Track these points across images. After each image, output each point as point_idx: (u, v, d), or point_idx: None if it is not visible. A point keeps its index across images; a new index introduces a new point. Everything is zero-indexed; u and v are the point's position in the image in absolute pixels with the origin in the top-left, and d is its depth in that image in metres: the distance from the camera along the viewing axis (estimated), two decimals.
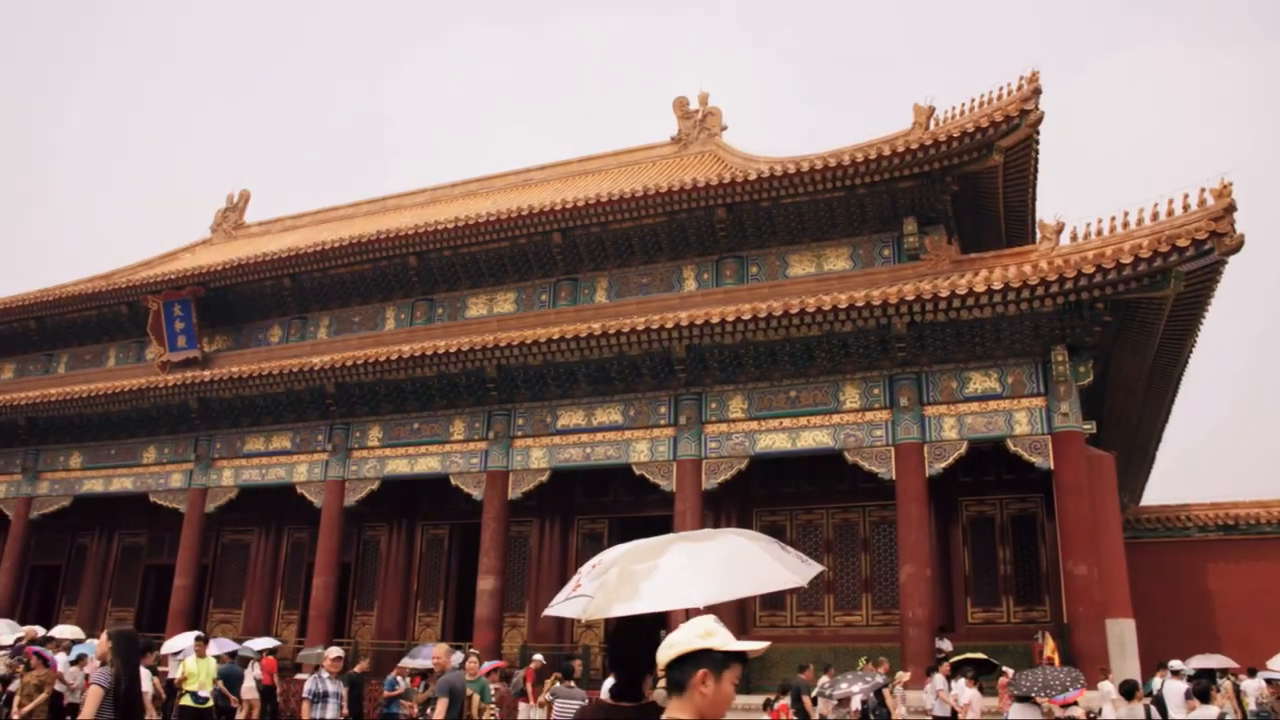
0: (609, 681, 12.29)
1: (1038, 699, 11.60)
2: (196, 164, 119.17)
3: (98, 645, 9.30)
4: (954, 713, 15.67)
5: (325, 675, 12.50)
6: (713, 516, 22.24)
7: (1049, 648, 16.46)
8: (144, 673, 11.42)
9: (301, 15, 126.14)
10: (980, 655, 16.61)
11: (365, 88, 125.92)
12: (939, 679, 16.31)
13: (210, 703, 14.42)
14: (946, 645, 19.30)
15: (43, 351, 33.20)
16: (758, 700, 19.16)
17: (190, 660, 14.68)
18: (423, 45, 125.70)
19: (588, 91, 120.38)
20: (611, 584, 4.22)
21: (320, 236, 29.31)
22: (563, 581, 24.44)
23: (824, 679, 16.76)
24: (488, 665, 16.80)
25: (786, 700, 15.44)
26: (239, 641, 21.87)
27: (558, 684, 15.30)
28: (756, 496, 23.35)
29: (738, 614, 22.28)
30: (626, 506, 24.85)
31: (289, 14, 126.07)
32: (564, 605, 4.28)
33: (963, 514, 22.20)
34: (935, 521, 21.02)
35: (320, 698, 12.42)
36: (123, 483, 28.00)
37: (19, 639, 17.74)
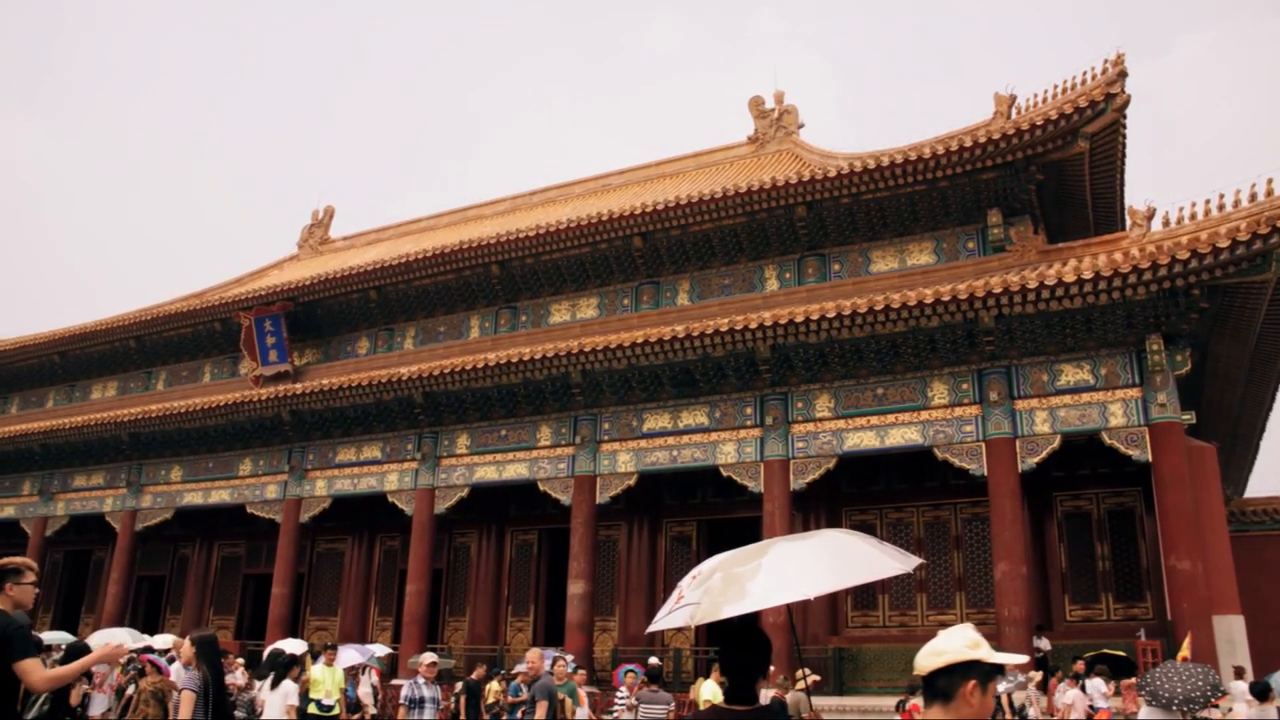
0: (711, 686, 12.30)
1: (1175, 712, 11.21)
2: (282, 182, 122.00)
3: (182, 651, 9.63)
4: (1089, 710, 15.36)
5: (421, 681, 12.69)
6: (801, 517, 22.11)
7: (1185, 647, 15.79)
8: (291, 686, 11.76)
9: (379, 32, 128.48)
10: (1120, 653, 16.21)
11: (441, 98, 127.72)
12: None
13: (335, 710, 14.68)
14: (1045, 644, 18.93)
15: (142, 369, 34.28)
16: (853, 702, 19.02)
17: (317, 668, 14.93)
18: (500, 55, 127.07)
19: (663, 96, 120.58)
20: (717, 588, 4.26)
21: (403, 248, 29.77)
22: (652, 585, 24.61)
23: None
24: (628, 669, 16.93)
25: (918, 700, 15.22)
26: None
27: (643, 688, 15.37)
28: (845, 495, 23.16)
29: (829, 614, 22.12)
30: (714, 508, 24.82)
31: (369, 33, 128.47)
32: (669, 618, 4.33)
33: (1057, 509, 21.76)
34: (1029, 517, 20.65)
35: (417, 703, 12.61)
36: (221, 495, 28.75)
37: (144, 646, 18.24)
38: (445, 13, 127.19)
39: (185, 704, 7.82)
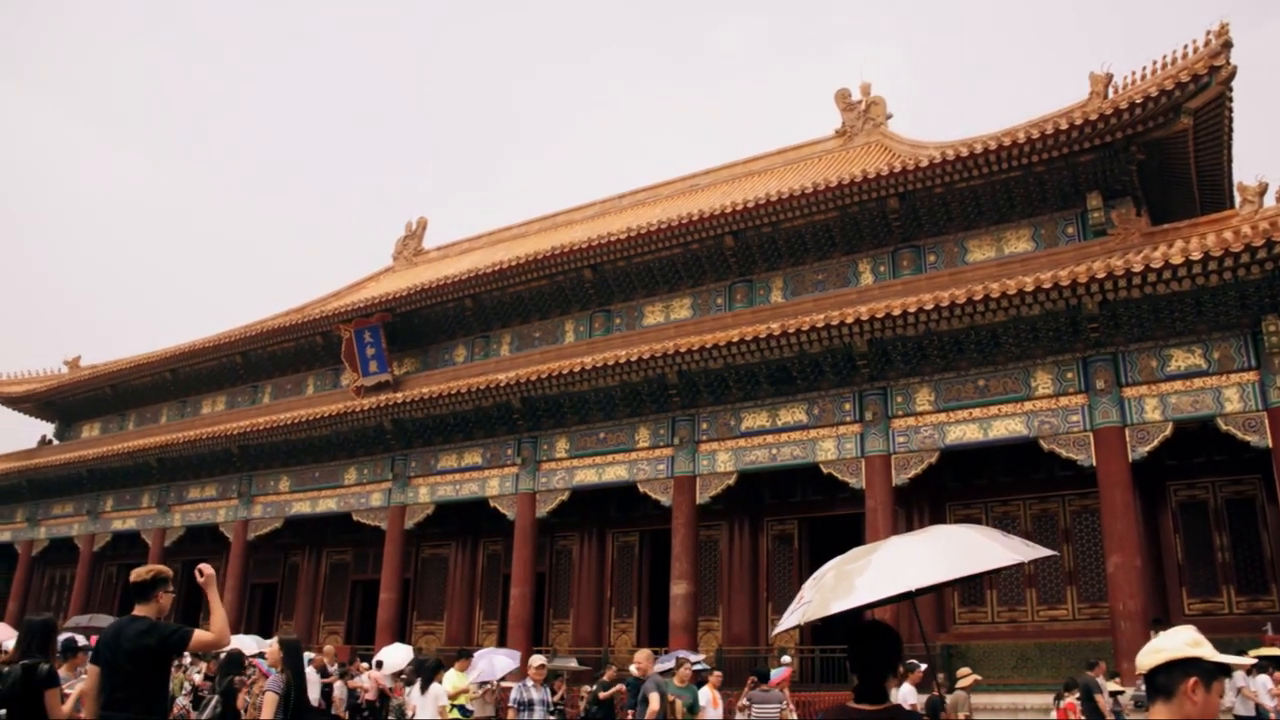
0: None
1: None
2: (376, 195, 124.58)
3: (269, 653, 9.95)
4: (1258, 710, 14.89)
5: (530, 684, 12.79)
6: (904, 513, 21.80)
7: None
8: (440, 689, 12.05)
9: (451, 37, 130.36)
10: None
11: (521, 101, 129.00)
12: (1239, 675, 15.41)
13: (475, 713, 14.94)
14: None
15: (248, 383, 35.35)
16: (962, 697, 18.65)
17: (453, 674, 15.16)
18: (577, 60, 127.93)
19: (747, 93, 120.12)
20: (829, 585, 4.33)
21: (496, 256, 30.16)
22: (754, 584, 24.54)
23: (1100, 677, 15.92)
24: (779, 675, 16.83)
25: (1073, 699, 14.88)
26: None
27: (754, 688, 15.29)
28: (949, 490, 22.74)
29: (936, 611, 21.77)
30: (815, 506, 24.61)
31: (448, 46, 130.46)
32: (789, 618, 4.40)
33: (1171, 499, 21.08)
34: (1142, 508, 20.03)
35: (526, 706, 12.72)
36: (328, 503, 29.46)
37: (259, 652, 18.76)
38: (524, 11, 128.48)
39: (267, 705, 8.26)
